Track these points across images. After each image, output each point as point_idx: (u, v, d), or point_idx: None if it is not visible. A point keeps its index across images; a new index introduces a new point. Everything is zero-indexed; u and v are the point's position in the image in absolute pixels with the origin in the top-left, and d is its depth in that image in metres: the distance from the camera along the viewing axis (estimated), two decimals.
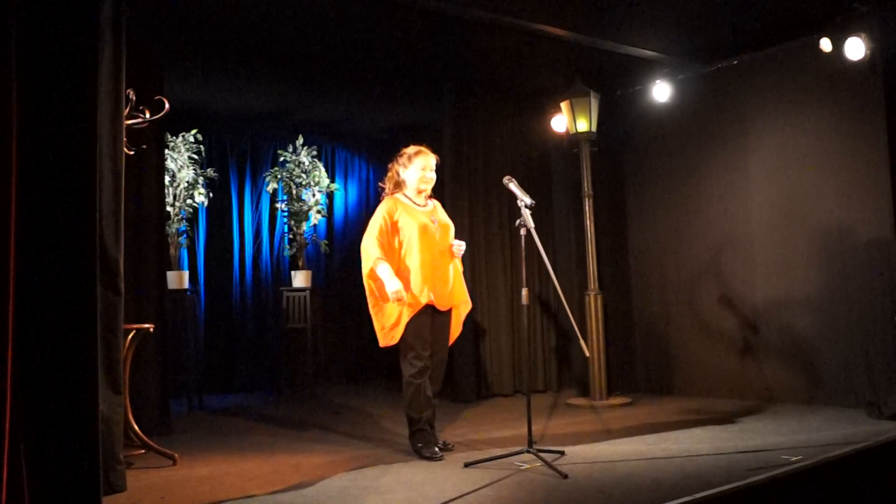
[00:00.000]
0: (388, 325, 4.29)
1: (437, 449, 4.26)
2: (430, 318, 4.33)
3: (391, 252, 4.32)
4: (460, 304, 4.52)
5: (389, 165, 4.56)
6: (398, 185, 4.50)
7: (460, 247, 4.44)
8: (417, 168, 4.44)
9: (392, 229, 4.34)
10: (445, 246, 4.41)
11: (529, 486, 3.60)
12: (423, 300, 4.26)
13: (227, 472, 4.04)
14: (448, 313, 4.46)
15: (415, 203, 4.45)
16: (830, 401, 5.50)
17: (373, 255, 4.26)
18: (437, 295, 4.31)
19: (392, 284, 4.20)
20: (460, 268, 4.53)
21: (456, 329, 4.55)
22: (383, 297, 4.27)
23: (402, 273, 4.28)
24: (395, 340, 4.28)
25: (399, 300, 4.21)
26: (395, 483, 3.74)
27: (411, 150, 4.51)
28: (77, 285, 2.77)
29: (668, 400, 6.21)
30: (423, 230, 4.33)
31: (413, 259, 4.29)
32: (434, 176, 4.52)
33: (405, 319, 4.24)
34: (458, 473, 3.87)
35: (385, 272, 4.23)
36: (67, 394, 2.72)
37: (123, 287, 3.66)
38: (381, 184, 4.60)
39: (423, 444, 4.28)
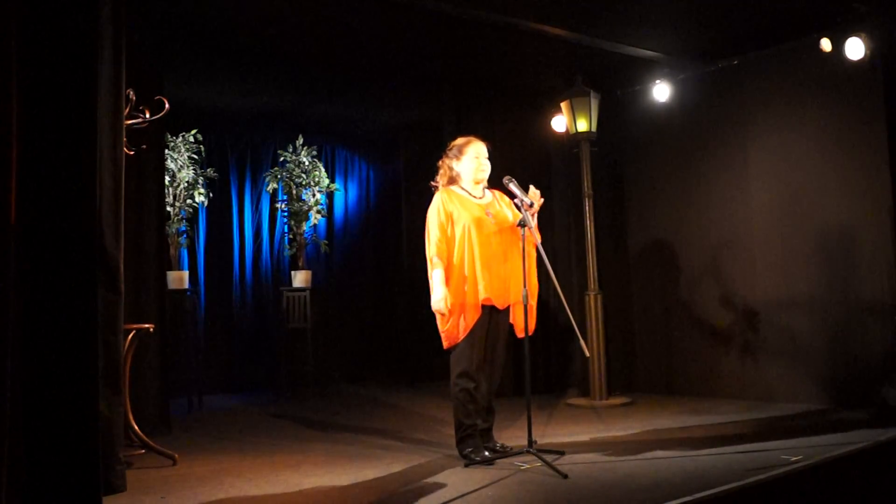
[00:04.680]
0: (446, 326, 4.12)
1: (487, 453, 4.10)
2: (486, 317, 4.15)
3: (450, 248, 4.17)
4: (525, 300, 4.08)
5: (439, 163, 4.40)
6: (452, 180, 4.34)
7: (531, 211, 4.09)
8: (471, 157, 4.29)
9: (447, 220, 4.17)
10: (502, 240, 4.19)
11: (529, 486, 3.59)
12: (479, 299, 4.08)
13: (227, 472, 4.04)
14: (506, 311, 4.23)
15: (471, 194, 4.28)
16: (830, 400, 5.50)
17: (428, 255, 4.17)
18: (494, 293, 4.12)
19: (437, 293, 4.09)
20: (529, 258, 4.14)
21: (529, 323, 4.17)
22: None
23: (456, 270, 4.12)
24: (457, 340, 4.11)
25: (438, 311, 4.10)
26: (396, 482, 3.74)
27: (460, 141, 4.37)
28: (77, 285, 2.77)
29: (668, 400, 6.21)
30: (479, 223, 4.15)
31: (470, 255, 4.11)
32: (489, 163, 4.35)
33: (462, 320, 4.10)
34: (458, 473, 3.87)
35: (435, 277, 4.12)
36: (67, 394, 2.72)
37: (123, 287, 3.66)
38: (432, 183, 4.42)
39: (472, 448, 4.10)
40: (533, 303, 4.20)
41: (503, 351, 4.33)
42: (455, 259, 4.16)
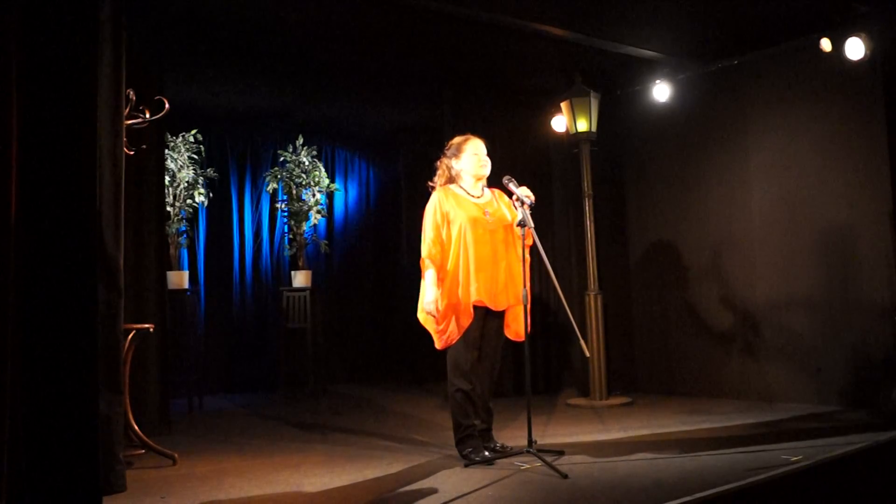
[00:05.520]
0: (440, 327, 4.10)
1: (486, 454, 4.08)
2: (480, 320, 4.11)
3: (445, 248, 4.15)
4: (516, 306, 4.16)
5: (437, 163, 4.36)
6: (451, 180, 4.30)
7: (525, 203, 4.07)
8: (470, 154, 4.26)
9: (442, 221, 4.15)
10: (500, 240, 4.16)
11: (529, 486, 3.59)
12: (472, 300, 4.05)
13: (227, 472, 4.04)
14: (501, 314, 4.20)
15: (469, 193, 4.24)
16: (830, 401, 5.50)
17: (422, 255, 4.15)
18: (487, 295, 4.07)
19: (428, 294, 4.07)
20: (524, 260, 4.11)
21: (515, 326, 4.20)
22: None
23: (451, 271, 4.09)
24: (453, 341, 4.08)
25: (429, 313, 4.08)
26: (395, 482, 3.74)
27: (458, 139, 4.34)
28: (77, 285, 2.77)
29: (668, 400, 6.21)
30: (475, 223, 4.11)
31: (465, 256, 4.07)
32: (489, 159, 4.32)
33: (456, 322, 4.07)
34: (458, 473, 3.87)
35: (427, 278, 4.09)
36: (67, 394, 2.72)
37: (123, 287, 3.66)
38: (430, 183, 4.37)
39: (472, 448, 4.08)
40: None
41: (499, 352, 4.32)
42: (450, 259, 4.13)
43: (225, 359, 7.55)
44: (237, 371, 7.57)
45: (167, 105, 4.37)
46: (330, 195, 7.74)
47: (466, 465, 4.00)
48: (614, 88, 6.72)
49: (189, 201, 6.33)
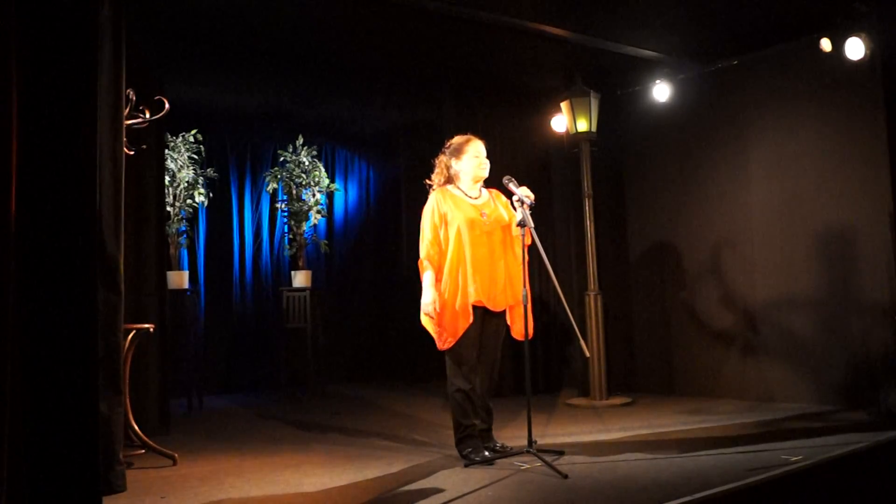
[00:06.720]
0: (439, 328, 4.10)
1: (486, 453, 4.09)
2: (479, 320, 4.12)
3: (443, 249, 4.15)
4: (517, 306, 4.16)
5: (436, 160, 4.36)
6: (449, 180, 4.30)
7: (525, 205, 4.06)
8: (471, 156, 4.25)
9: (440, 222, 4.16)
10: (497, 241, 4.18)
11: (529, 486, 3.60)
12: (470, 301, 4.06)
13: (227, 472, 4.04)
14: (501, 315, 4.22)
15: (467, 195, 4.25)
16: (830, 400, 5.50)
17: (420, 256, 4.15)
18: (485, 295, 4.09)
19: (426, 296, 4.08)
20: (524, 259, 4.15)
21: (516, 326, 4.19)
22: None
23: (449, 272, 4.10)
24: (453, 342, 4.09)
25: (427, 314, 4.09)
26: (395, 482, 3.74)
27: (459, 139, 4.33)
28: (77, 285, 2.77)
29: (668, 400, 6.21)
30: (471, 224, 4.12)
31: (463, 257, 4.10)
32: (488, 161, 4.31)
33: (455, 323, 4.07)
34: (458, 473, 3.87)
35: (426, 280, 4.10)
36: (67, 394, 2.72)
37: (123, 287, 3.66)
38: (427, 181, 4.37)
39: (471, 449, 4.09)
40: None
41: (498, 352, 4.31)
42: (448, 260, 4.14)
43: (225, 359, 7.55)
44: (237, 371, 7.57)
45: (167, 105, 4.38)
46: (330, 195, 7.74)
47: (466, 465, 4.00)
48: (614, 88, 6.72)
49: (189, 201, 6.33)
